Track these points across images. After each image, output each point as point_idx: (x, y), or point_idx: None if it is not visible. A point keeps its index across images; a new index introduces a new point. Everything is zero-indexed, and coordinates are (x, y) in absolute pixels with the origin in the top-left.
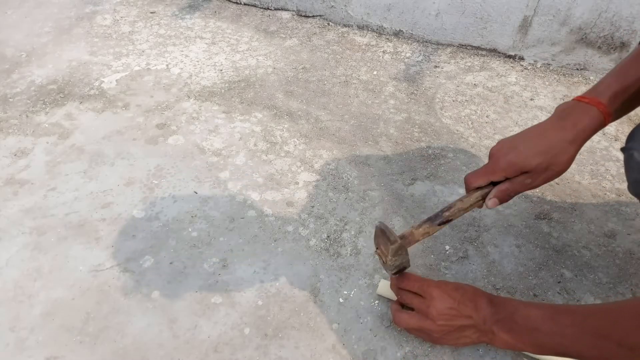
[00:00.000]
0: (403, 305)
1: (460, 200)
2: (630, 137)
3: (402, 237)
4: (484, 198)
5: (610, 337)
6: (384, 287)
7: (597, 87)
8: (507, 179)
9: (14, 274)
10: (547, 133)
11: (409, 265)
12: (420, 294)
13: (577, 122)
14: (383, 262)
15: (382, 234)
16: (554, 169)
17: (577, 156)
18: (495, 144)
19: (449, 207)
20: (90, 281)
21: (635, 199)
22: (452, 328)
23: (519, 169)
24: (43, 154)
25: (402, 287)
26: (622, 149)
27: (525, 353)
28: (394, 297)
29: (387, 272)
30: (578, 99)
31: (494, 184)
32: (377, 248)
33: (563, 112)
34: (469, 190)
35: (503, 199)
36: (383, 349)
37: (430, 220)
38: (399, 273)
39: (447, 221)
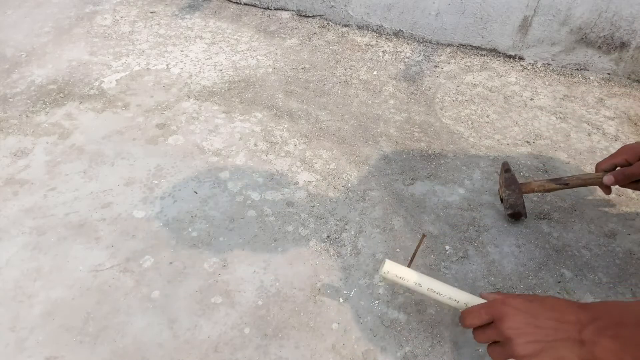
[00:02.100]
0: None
1: (582, 173)
2: None
3: (521, 183)
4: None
5: None
6: (390, 266)
7: None
8: (628, 164)
9: (14, 274)
10: None
11: (525, 214)
12: (491, 320)
13: None
14: (501, 200)
15: (502, 167)
16: None
17: (578, 156)
18: (495, 143)
19: (570, 176)
20: (90, 281)
21: (633, 195)
22: (540, 346)
23: (638, 154)
24: (43, 154)
25: (473, 324)
26: None
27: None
28: (400, 278)
29: (506, 213)
30: None
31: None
32: (499, 188)
33: None
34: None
35: (618, 179)
36: (383, 349)
37: (550, 179)
38: (515, 218)
39: (564, 184)
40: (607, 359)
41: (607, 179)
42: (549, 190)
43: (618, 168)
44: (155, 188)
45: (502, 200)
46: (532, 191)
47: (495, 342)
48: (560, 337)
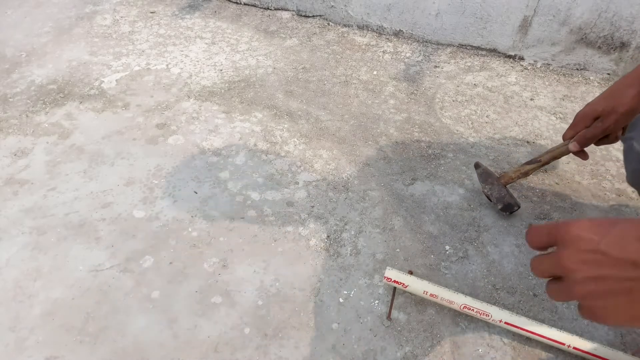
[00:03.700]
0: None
1: (551, 147)
2: (631, 126)
3: (500, 176)
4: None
5: None
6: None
7: None
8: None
9: (14, 274)
10: (612, 84)
11: (517, 204)
12: (552, 244)
13: (637, 71)
14: (489, 199)
15: (474, 167)
16: (619, 109)
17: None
18: (495, 143)
19: (540, 154)
20: (90, 281)
21: (633, 195)
22: (603, 286)
23: (590, 116)
24: (43, 153)
25: (532, 245)
26: (622, 139)
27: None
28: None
29: (498, 209)
30: None
31: None
32: (481, 188)
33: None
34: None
35: (581, 142)
36: (383, 349)
37: (523, 163)
38: (508, 210)
39: (537, 161)
40: None
41: (572, 146)
42: (527, 174)
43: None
44: (155, 188)
45: (489, 199)
46: (512, 180)
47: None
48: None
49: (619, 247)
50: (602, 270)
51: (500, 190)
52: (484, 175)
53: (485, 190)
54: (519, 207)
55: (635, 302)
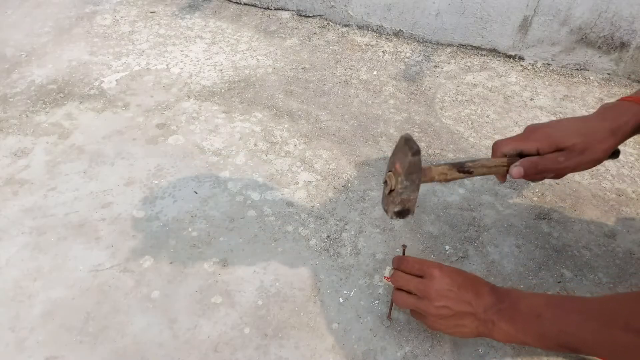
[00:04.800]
0: None
1: (486, 159)
2: None
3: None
4: (509, 166)
5: (616, 322)
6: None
7: None
8: (538, 153)
9: (14, 274)
10: (589, 120)
11: (413, 211)
12: (419, 275)
13: (619, 116)
14: (389, 190)
15: (405, 144)
16: (590, 155)
17: None
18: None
19: (473, 160)
20: (90, 281)
21: (633, 195)
22: (450, 312)
23: (554, 144)
24: (43, 153)
25: (402, 269)
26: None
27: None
28: None
29: (387, 213)
30: (621, 99)
31: (522, 157)
32: (389, 170)
33: (605, 108)
34: (495, 156)
35: (529, 172)
36: (383, 349)
37: (451, 164)
38: (402, 216)
39: (468, 172)
40: (501, 337)
41: (516, 171)
42: (449, 180)
43: (526, 157)
44: (155, 188)
45: (390, 191)
46: (432, 180)
47: (407, 291)
48: (469, 311)
49: (464, 289)
50: (452, 303)
51: (413, 192)
52: (415, 167)
53: (400, 186)
54: (413, 214)
55: (461, 324)
